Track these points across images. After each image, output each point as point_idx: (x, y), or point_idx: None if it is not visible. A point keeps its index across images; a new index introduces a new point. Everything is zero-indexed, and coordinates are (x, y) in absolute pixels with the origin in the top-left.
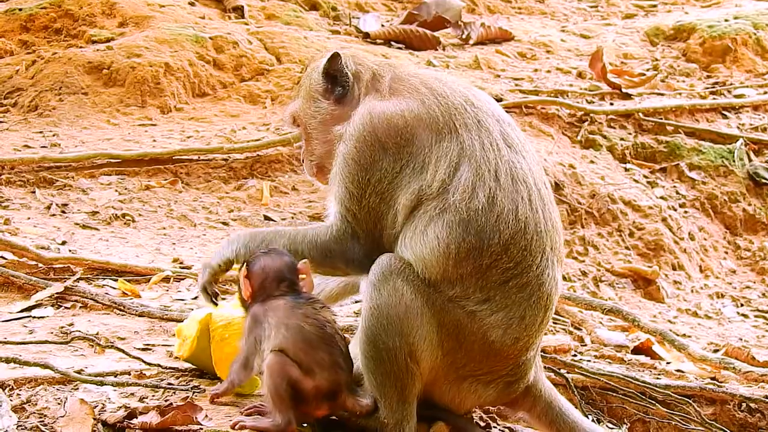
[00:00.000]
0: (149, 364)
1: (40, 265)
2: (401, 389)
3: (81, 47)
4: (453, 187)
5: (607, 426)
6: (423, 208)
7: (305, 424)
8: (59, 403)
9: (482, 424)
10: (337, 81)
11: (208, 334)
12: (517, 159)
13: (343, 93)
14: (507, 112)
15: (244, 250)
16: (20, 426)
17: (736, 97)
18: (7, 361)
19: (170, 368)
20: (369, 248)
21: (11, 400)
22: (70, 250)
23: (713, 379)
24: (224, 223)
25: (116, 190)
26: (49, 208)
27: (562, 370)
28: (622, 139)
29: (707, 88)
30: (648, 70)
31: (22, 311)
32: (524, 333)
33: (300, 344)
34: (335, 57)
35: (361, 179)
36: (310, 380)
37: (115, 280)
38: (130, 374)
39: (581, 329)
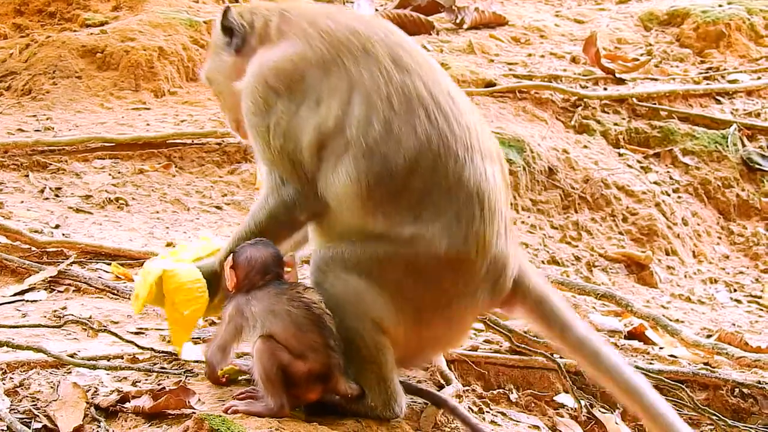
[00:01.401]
0: (142, 348)
1: (34, 248)
2: (378, 369)
3: (75, 31)
4: (348, 121)
5: (600, 411)
6: (329, 148)
7: (297, 408)
8: (52, 387)
9: (475, 409)
10: (233, 33)
11: (161, 293)
12: (410, 80)
13: (241, 44)
14: (501, 97)
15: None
16: (13, 409)
17: (730, 82)
18: (0, 344)
19: (163, 352)
20: (300, 188)
21: (4, 384)
22: (63, 234)
23: (706, 364)
24: (218, 207)
25: (110, 174)
26: (42, 191)
27: (555, 356)
28: (615, 124)
29: (701, 73)
30: (642, 55)
31: (15, 295)
32: (469, 230)
33: (290, 329)
34: (227, 10)
35: (262, 127)
36: (303, 363)
37: (109, 264)
38: (123, 358)
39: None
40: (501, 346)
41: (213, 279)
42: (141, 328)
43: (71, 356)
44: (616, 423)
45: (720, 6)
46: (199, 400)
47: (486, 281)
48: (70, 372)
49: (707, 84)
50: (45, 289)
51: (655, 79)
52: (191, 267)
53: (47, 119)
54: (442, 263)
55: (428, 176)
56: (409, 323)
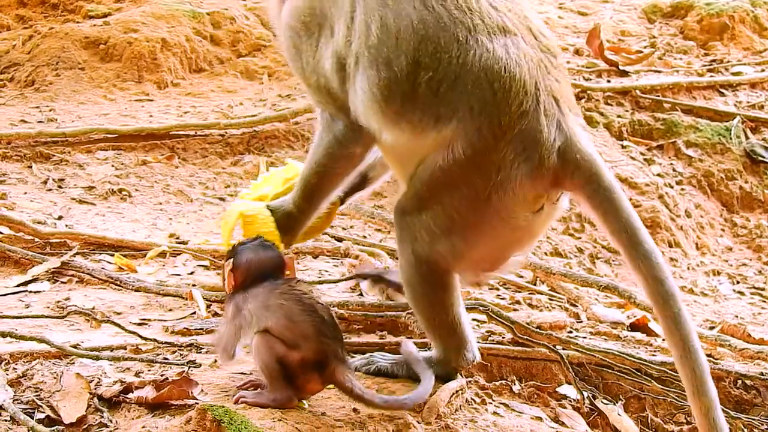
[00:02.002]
0: (145, 338)
1: (37, 239)
2: (446, 316)
3: (78, 22)
4: (353, 35)
5: (602, 402)
6: (346, 69)
7: (304, 401)
8: (55, 378)
9: (477, 400)
10: None
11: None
12: None
13: None
14: None
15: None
16: (16, 400)
17: (734, 74)
18: (3, 335)
19: (166, 343)
20: (348, 121)
21: (7, 374)
22: (66, 225)
23: (709, 356)
24: (221, 199)
25: (113, 165)
26: (45, 182)
27: (558, 347)
28: (619, 116)
29: (704, 65)
30: (645, 47)
31: (18, 286)
32: (481, 119)
33: (282, 321)
34: None
35: (299, 70)
36: (297, 353)
37: (112, 255)
38: (126, 349)
39: (577, 306)
40: (503, 338)
41: (285, 219)
42: (144, 319)
43: (74, 347)
44: (619, 414)
45: None
46: (202, 390)
47: (518, 161)
48: (73, 363)
49: (711, 76)
50: (48, 280)
51: (659, 72)
52: (263, 209)
53: (50, 110)
54: (463, 163)
55: (433, 69)
56: (468, 236)
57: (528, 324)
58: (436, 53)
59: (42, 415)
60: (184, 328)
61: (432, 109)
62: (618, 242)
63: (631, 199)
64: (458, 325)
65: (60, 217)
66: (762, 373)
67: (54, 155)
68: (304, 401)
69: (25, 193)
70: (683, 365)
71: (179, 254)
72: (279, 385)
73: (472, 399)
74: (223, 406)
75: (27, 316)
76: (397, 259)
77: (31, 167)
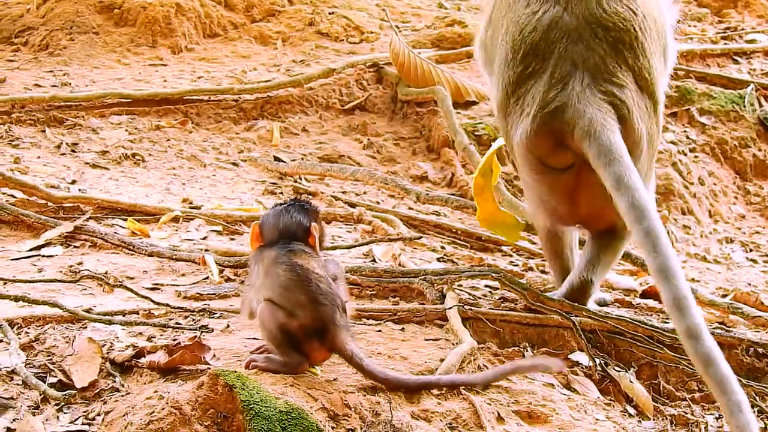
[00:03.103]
0: (158, 303)
1: (50, 204)
2: (550, 255)
3: None
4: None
5: (614, 369)
6: None
7: (317, 368)
8: (67, 342)
9: (490, 366)
10: None
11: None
12: None
13: None
14: None
15: None
16: (28, 364)
17: (748, 42)
18: (16, 299)
19: (178, 308)
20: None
21: (19, 338)
22: (80, 190)
23: (721, 323)
24: (234, 164)
25: (126, 130)
26: (59, 147)
27: (570, 314)
28: None
29: (719, 33)
30: None
31: (31, 250)
32: (505, 69)
33: (278, 290)
34: None
35: None
36: (295, 321)
37: (125, 220)
38: (138, 313)
39: None
40: (516, 304)
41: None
42: (157, 284)
43: (87, 311)
44: (631, 381)
45: None
46: (215, 355)
47: (522, 117)
48: (86, 327)
49: (725, 44)
50: (61, 245)
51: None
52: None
53: (64, 75)
54: (498, 114)
55: (494, 27)
56: (526, 189)
57: (541, 291)
58: (499, 11)
59: (54, 380)
60: (197, 293)
61: (491, 61)
62: (608, 186)
63: None
64: (566, 270)
65: (73, 182)
66: None
67: (68, 119)
68: (317, 368)
69: (39, 157)
70: (661, 286)
71: (192, 219)
72: (286, 350)
73: (484, 365)
74: (236, 371)
75: (40, 281)
76: (410, 226)
77: (44, 131)
